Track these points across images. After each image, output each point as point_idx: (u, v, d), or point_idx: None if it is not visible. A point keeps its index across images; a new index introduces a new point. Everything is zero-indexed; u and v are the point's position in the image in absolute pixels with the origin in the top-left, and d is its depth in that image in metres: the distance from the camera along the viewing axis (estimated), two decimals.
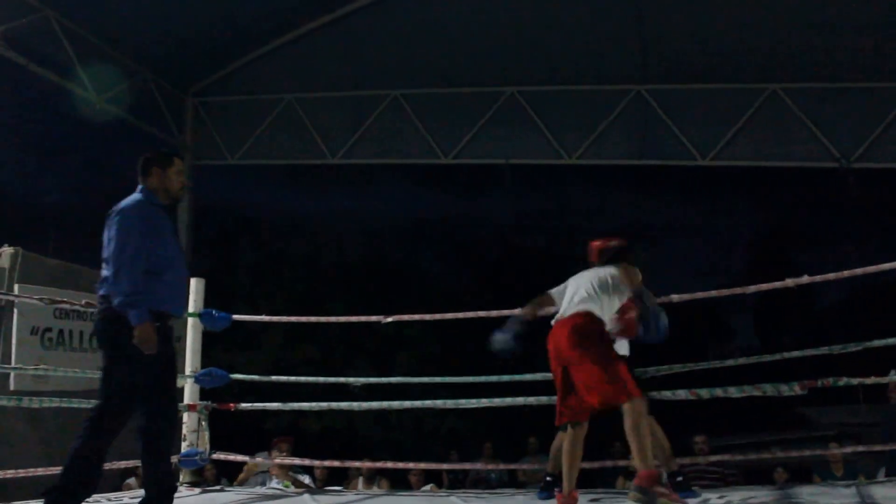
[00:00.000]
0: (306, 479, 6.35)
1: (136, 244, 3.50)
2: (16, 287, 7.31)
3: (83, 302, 5.59)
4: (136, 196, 3.70)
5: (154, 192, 3.73)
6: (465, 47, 9.62)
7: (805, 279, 4.96)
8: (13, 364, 7.19)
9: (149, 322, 3.42)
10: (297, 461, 6.23)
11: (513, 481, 8.51)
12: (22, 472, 4.90)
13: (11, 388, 7.24)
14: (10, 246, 7.66)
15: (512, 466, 7.35)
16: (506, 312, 4.89)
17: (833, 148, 8.99)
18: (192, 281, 5.65)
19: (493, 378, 5.44)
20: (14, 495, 6.09)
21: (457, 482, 8.47)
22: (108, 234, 3.56)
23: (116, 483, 7.39)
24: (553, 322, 4.20)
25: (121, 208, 3.61)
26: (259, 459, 6.26)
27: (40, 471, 4.86)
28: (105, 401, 3.58)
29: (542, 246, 21.61)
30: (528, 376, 5.18)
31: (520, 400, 5.25)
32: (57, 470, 4.78)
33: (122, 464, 5.70)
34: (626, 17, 9.01)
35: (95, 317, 3.67)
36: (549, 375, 4.92)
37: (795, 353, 4.92)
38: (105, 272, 3.57)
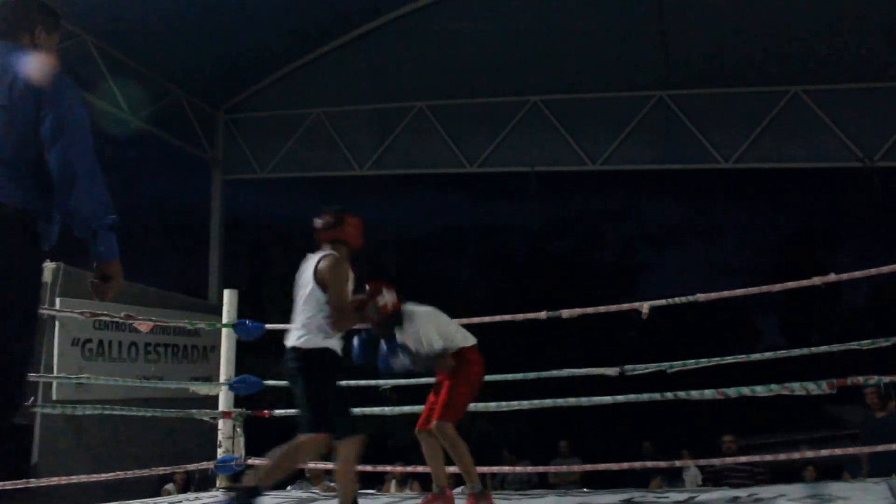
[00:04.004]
0: None
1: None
2: (57, 301, 7.53)
3: (122, 314, 5.76)
4: (62, 74, 2.37)
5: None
6: (488, 58, 9.75)
7: (832, 277, 4.93)
8: (55, 374, 7.40)
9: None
10: (330, 466, 6.34)
11: (543, 482, 8.57)
12: (65, 480, 5.01)
13: (54, 397, 7.48)
14: (51, 261, 7.90)
15: (541, 469, 7.43)
16: (531, 316, 4.97)
17: (856, 148, 8.98)
18: (226, 292, 5.82)
19: (520, 375, 5.48)
20: (58, 503, 6.30)
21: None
22: (44, 112, 2.24)
23: (156, 488, 7.57)
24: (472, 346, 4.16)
25: (57, 77, 2.31)
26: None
27: (83, 478, 5.00)
28: None
29: (568, 251, 21.60)
30: (554, 372, 5.19)
31: (548, 402, 5.30)
32: (99, 476, 4.97)
33: (161, 470, 5.87)
34: (647, 24, 9.08)
35: None
36: (575, 372, 5.03)
37: (824, 348, 4.90)
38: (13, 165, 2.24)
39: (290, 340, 3.63)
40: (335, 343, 3.59)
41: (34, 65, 2.32)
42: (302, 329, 3.58)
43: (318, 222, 3.75)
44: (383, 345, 4.03)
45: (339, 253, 3.66)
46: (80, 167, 2.24)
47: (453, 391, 3.99)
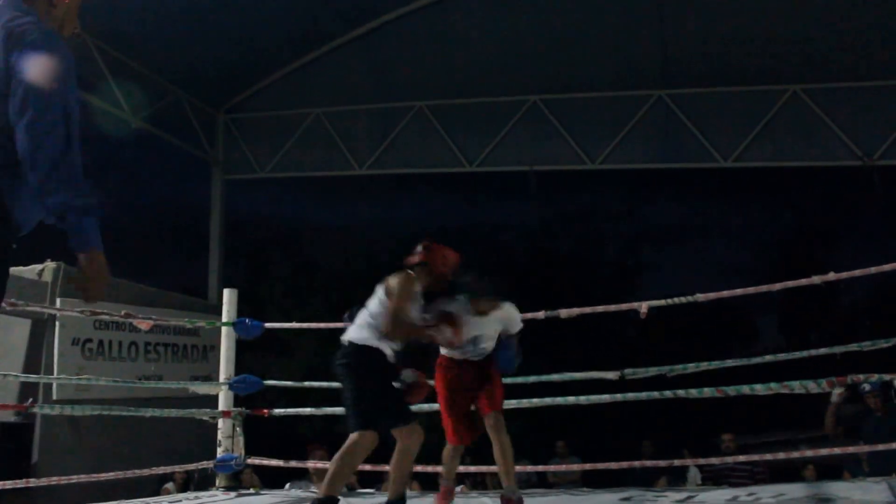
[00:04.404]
0: (342, 489, 6.47)
1: (77, 107, 2.05)
2: (58, 301, 7.55)
3: (122, 313, 5.77)
4: (35, 20, 2.08)
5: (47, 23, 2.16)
6: (487, 58, 9.76)
7: (832, 276, 4.94)
8: (55, 374, 7.42)
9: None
10: (325, 465, 6.35)
11: (542, 482, 8.57)
12: (65, 479, 5.01)
13: (54, 397, 7.49)
14: (52, 261, 7.91)
15: (540, 468, 7.43)
16: (529, 316, 4.97)
17: (855, 146, 9.00)
18: (226, 291, 5.83)
19: (520, 380, 5.51)
20: (58, 502, 6.30)
21: (477, 484, 8.55)
22: (15, 82, 1.98)
23: (155, 487, 7.57)
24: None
25: (39, 38, 2.03)
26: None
27: (83, 477, 5.01)
28: None
29: (568, 250, 21.60)
30: (554, 376, 5.22)
31: (547, 400, 5.31)
32: (99, 476, 4.97)
33: (161, 469, 5.88)
34: (646, 24, 9.09)
35: None
36: (575, 376, 5.04)
37: (823, 350, 4.90)
38: None
39: (348, 336, 3.80)
40: (386, 347, 3.74)
41: (14, 28, 2.04)
42: (357, 327, 3.77)
43: (409, 259, 3.94)
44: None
45: (415, 273, 3.87)
46: (47, 143, 1.94)
47: (500, 387, 4.08)
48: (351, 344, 3.75)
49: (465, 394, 4.07)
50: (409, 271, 3.86)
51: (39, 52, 2.00)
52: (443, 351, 4.18)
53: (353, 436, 3.64)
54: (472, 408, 4.11)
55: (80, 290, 2.01)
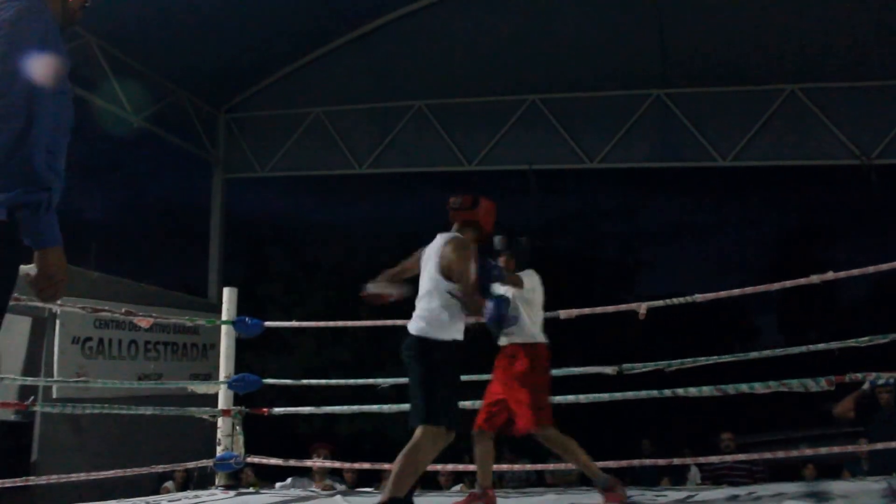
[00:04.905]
0: (342, 488, 6.48)
1: (51, 84, 1.88)
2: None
3: (123, 311, 5.78)
4: (29, 6, 1.92)
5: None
6: (487, 57, 9.77)
7: (830, 275, 4.94)
8: (55, 372, 7.43)
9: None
10: (327, 464, 6.36)
11: (542, 481, 8.57)
12: (65, 478, 5.01)
13: (54, 395, 7.50)
14: None
15: (539, 467, 7.42)
16: None
17: (853, 145, 9.00)
18: (226, 290, 5.84)
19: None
20: (58, 500, 6.31)
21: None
22: None
23: (155, 486, 7.58)
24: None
25: (11, 14, 1.89)
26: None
27: (83, 476, 5.01)
28: None
29: (567, 249, 21.61)
30: (553, 371, 5.21)
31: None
32: (98, 474, 4.97)
33: (160, 468, 5.88)
34: (644, 23, 9.09)
35: None
36: (572, 371, 5.05)
37: (821, 346, 4.91)
38: None
39: (410, 327, 3.60)
40: (454, 332, 3.55)
41: None
42: (419, 317, 3.56)
43: (454, 201, 3.71)
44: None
45: (465, 235, 3.65)
46: (12, 127, 1.78)
47: (537, 393, 3.91)
48: (414, 338, 3.54)
49: None
50: (459, 235, 3.63)
51: (4, 32, 1.85)
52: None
53: (417, 431, 3.42)
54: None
55: (35, 291, 1.88)
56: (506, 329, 3.87)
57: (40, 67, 1.84)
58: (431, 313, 3.53)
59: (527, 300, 4.04)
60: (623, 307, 5.21)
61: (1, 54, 1.82)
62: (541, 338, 4.10)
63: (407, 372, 3.60)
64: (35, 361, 7.73)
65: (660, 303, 5.18)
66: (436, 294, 3.55)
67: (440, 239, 3.65)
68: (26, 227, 1.81)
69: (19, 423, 7.52)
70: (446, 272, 3.54)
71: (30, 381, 6.80)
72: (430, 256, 3.64)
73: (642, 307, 5.04)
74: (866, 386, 5.63)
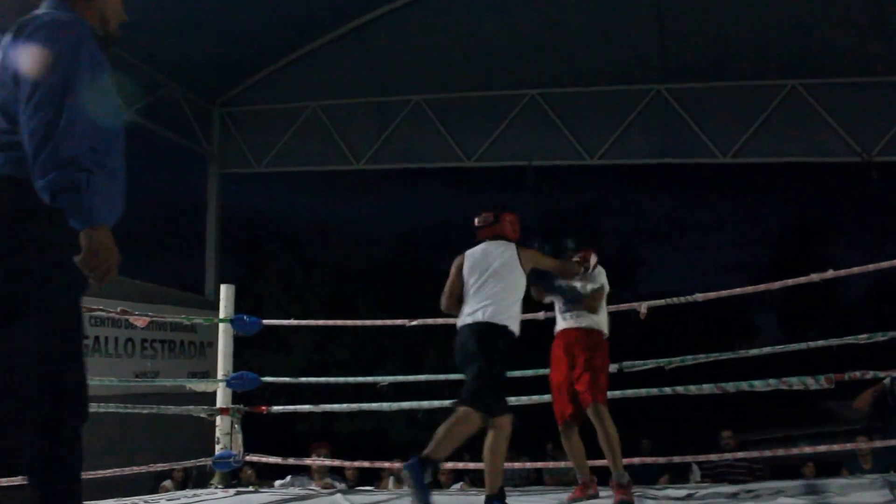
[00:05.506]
0: (342, 487, 6.46)
1: (83, 88, 1.98)
2: None
3: (118, 310, 5.74)
4: (62, 13, 2.11)
5: (87, 20, 2.16)
6: (486, 51, 9.71)
7: (830, 273, 4.94)
8: None
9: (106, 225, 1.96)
10: (327, 462, 6.34)
11: (541, 480, 8.56)
12: None
13: None
14: None
15: (539, 465, 7.41)
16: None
17: (854, 142, 8.98)
18: (223, 287, 5.80)
19: (517, 374, 5.48)
20: None
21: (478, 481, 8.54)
22: (19, 59, 2.00)
23: (153, 485, 7.55)
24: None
25: (46, 21, 2.06)
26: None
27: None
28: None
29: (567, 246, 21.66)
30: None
31: (546, 398, 5.28)
32: (96, 473, 4.93)
33: (158, 466, 5.86)
34: (644, 18, 9.05)
35: None
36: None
37: (821, 343, 4.91)
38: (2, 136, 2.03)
39: (472, 316, 3.87)
40: (516, 325, 3.89)
41: (23, 20, 2.07)
42: (487, 303, 3.85)
43: (479, 220, 4.14)
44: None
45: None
46: (34, 124, 1.91)
47: (597, 373, 4.17)
48: (480, 323, 3.82)
49: None
50: (511, 243, 4.03)
51: (41, 36, 2.01)
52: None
53: (462, 408, 3.71)
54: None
55: (86, 272, 1.93)
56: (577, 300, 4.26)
57: (73, 64, 1.97)
58: (505, 303, 3.86)
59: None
60: (624, 306, 5.19)
61: (36, 51, 1.97)
62: (604, 328, 4.37)
63: (464, 360, 3.86)
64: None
65: (661, 302, 5.17)
66: (512, 291, 3.92)
67: (496, 247, 4.03)
68: (70, 209, 1.89)
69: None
70: (521, 269, 3.96)
71: None
72: (489, 261, 3.99)
73: (643, 307, 5.03)
74: (887, 381, 5.61)
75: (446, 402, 5.89)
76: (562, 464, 7.57)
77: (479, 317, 3.83)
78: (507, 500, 3.81)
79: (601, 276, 4.38)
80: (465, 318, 3.91)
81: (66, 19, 2.08)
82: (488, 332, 3.80)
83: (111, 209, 2.03)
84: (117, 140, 2.14)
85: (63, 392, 1.99)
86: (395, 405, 5.98)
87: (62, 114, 1.90)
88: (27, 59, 1.98)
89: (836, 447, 5.83)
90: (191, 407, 5.68)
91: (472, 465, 5.52)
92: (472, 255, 4.06)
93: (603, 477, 4.41)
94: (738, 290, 5.62)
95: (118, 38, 2.33)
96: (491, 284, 3.89)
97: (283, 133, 10.72)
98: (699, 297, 5.08)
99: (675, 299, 5.12)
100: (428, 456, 3.53)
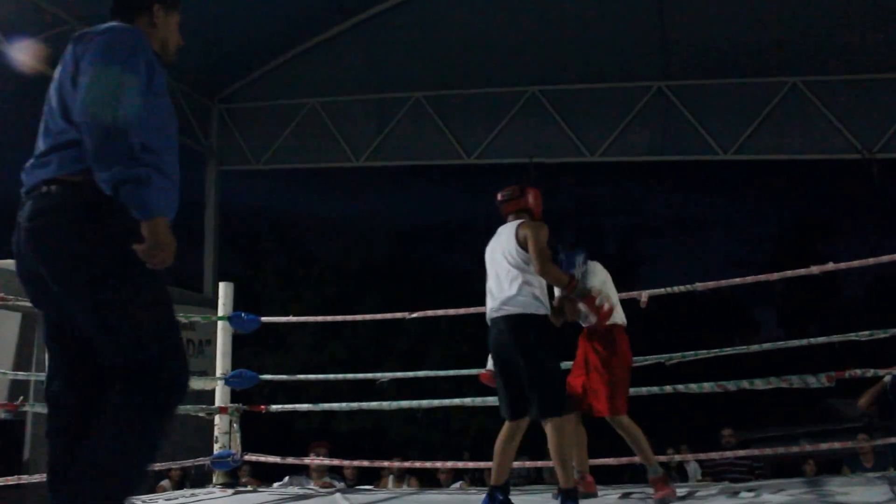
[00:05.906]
0: (341, 486, 6.44)
1: (139, 89, 2.14)
2: None
3: None
4: (125, 26, 2.29)
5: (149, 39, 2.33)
6: (486, 48, 9.68)
7: (830, 266, 4.91)
8: (47, 369, 7.34)
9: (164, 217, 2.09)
10: (325, 461, 6.31)
11: (541, 479, 8.55)
12: None
13: None
14: None
15: (539, 464, 7.39)
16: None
17: (855, 139, 8.96)
18: (221, 285, 5.76)
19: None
20: (42, 499, 6.23)
21: (478, 480, 8.54)
22: (78, 68, 2.15)
23: (150, 485, 7.52)
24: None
25: (106, 28, 2.25)
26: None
27: None
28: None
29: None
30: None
31: None
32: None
33: (156, 465, 5.82)
34: (645, 14, 9.02)
35: (31, 213, 2.13)
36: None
37: (822, 339, 4.88)
38: (60, 136, 2.16)
39: (499, 310, 3.63)
40: (546, 308, 3.62)
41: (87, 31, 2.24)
42: (512, 294, 3.59)
43: (503, 194, 3.90)
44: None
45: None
46: (98, 120, 2.03)
47: (612, 381, 3.97)
48: (513, 316, 3.56)
49: None
50: (526, 218, 3.77)
51: (100, 40, 2.16)
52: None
53: (546, 426, 3.51)
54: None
55: (147, 259, 2.07)
56: (585, 278, 3.96)
57: (130, 65, 2.12)
58: (524, 290, 3.59)
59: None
60: (623, 296, 5.16)
61: (96, 52, 2.13)
62: (619, 321, 4.14)
63: (501, 358, 3.62)
64: (25, 358, 7.64)
65: (661, 291, 5.15)
66: (527, 275, 3.62)
67: (508, 227, 3.76)
68: (132, 201, 2.02)
69: (10, 420, 7.43)
70: (525, 248, 3.64)
71: (21, 375, 6.72)
72: (501, 244, 3.72)
73: (643, 295, 5.01)
74: (887, 379, 5.60)
75: (446, 401, 5.88)
76: None
77: (510, 311, 3.59)
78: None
79: (594, 278, 4.13)
80: (493, 309, 3.67)
81: (126, 27, 2.26)
82: (525, 324, 3.55)
83: (167, 204, 2.19)
84: (170, 142, 2.29)
85: (165, 344, 2.30)
86: (394, 404, 5.95)
87: (119, 112, 2.03)
88: (87, 59, 2.13)
89: (836, 445, 5.79)
90: (189, 406, 5.64)
91: (471, 465, 5.50)
92: (492, 242, 3.83)
93: (602, 477, 4.37)
94: (737, 280, 5.55)
95: (173, 63, 2.51)
96: (504, 273, 3.68)
97: (283, 130, 10.69)
98: (699, 286, 5.05)
99: (675, 288, 5.10)
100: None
